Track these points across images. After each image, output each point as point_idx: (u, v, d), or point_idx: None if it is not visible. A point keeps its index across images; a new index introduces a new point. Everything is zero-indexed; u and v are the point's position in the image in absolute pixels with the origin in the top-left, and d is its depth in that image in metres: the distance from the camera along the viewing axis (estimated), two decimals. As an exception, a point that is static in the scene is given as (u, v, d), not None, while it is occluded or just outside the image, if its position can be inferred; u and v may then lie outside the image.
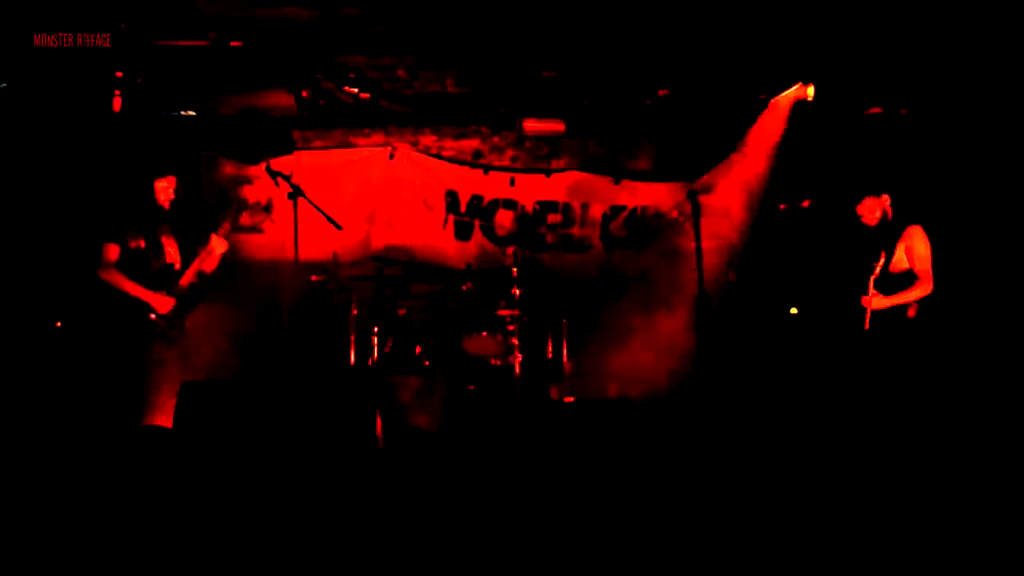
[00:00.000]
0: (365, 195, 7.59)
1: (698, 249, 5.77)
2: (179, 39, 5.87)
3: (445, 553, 3.67)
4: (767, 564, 3.52)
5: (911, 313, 4.90)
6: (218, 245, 4.77)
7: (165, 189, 4.78)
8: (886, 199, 5.02)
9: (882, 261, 4.93)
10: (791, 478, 4.66)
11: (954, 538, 3.64)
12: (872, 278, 4.92)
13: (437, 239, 7.70)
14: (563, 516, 4.08)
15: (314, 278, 6.67)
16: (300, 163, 7.24)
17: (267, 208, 7.50)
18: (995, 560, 3.45)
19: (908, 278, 5.05)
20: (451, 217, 7.74)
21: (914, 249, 4.89)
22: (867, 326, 4.98)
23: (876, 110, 7.18)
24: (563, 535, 3.85)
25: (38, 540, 3.62)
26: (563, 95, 7.11)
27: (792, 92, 6.80)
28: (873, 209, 5.03)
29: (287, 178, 5.18)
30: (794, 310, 6.49)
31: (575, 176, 7.83)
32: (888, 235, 4.98)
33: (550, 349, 6.99)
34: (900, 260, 5.04)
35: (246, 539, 3.71)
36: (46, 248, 6.36)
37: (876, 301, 4.91)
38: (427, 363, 6.62)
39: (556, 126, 7.51)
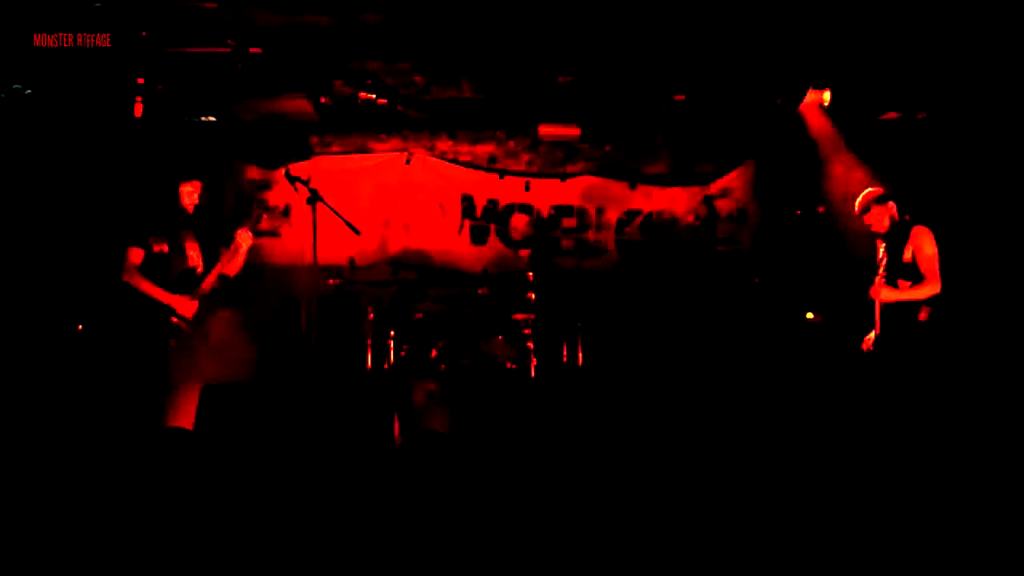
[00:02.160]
0: (382, 200, 7.67)
1: (712, 254, 5.77)
2: (199, 46, 5.93)
3: (458, 551, 3.70)
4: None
5: (922, 317, 4.89)
6: (244, 240, 4.78)
7: (190, 193, 4.83)
8: (892, 206, 5.02)
9: (888, 255, 4.95)
10: (796, 483, 4.66)
11: (964, 540, 3.64)
12: (879, 271, 4.93)
13: (453, 243, 7.76)
14: (574, 518, 4.10)
15: (332, 282, 6.74)
16: (318, 168, 7.34)
17: (285, 213, 7.59)
18: (1010, 565, 3.44)
19: (917, 280, 5.04)
20: (467, 221, 7.80)
21: (921, 250, 4.89)
22: (877, 321, 4.98)
23: (892, 115, 7.17)
24: (572, 537, 3.87)
25: (61, 539, 3.67)
26: (578, 100, 7.12)
27: (808, 97, 6.80)
28: (881, 218, 5.04)
29: (305, 183, 5.21)
30: (810, 315, 6.48)
31: (590, 181, 7.86)
32: (897, 236, 4.99)
33: (565, 353, 7.01)
34: (909, 260, 5.03)
35: (266, 538, 3.75)
36: (69, 251, 6.44)
37: (884, 293, 4.92)
38: (443, 366, 6.65)
39: (571, 131, 7.54)
